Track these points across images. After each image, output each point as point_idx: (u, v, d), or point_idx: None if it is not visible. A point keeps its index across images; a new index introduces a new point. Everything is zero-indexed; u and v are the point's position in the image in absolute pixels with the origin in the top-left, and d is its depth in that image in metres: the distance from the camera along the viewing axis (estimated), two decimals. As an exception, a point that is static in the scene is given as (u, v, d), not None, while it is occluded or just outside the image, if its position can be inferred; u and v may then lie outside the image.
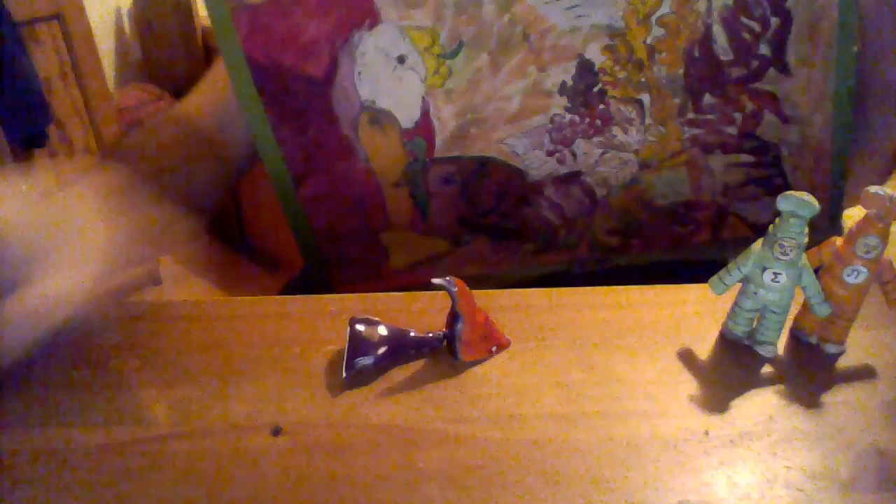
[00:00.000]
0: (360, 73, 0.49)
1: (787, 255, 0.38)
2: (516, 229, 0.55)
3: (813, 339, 0.42)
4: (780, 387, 0.40)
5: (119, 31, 1.86)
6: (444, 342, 0.41)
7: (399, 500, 0.33)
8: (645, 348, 0.43)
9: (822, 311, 0.40)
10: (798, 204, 0.36)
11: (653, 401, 0.39)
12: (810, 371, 0.41)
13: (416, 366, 0.41)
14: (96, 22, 1.62)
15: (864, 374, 0.41)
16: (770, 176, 0.54)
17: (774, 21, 0.48)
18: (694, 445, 0.36)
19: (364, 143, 0.51)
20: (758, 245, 0.39)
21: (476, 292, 0.47)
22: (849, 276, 0.39)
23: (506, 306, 0.46)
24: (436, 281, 0.38)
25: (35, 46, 1.36)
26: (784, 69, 0.50)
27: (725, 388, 0.40)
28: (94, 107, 1.50)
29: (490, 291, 0.47)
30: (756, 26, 0.48)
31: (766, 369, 0.41)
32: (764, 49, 0.49)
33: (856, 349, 0.42)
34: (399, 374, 0.40)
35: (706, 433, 0.37)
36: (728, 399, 0.39)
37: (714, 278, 0.41)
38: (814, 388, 0.40)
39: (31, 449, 0.36)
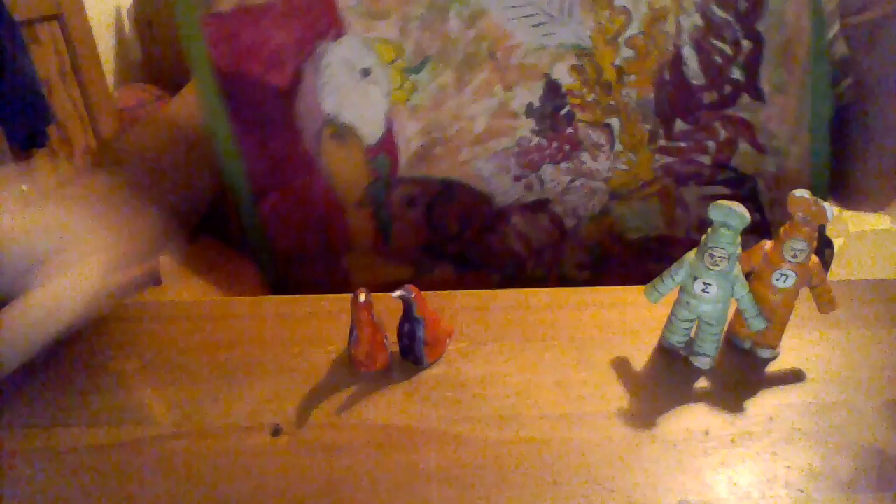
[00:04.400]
0: (324, 86, 0.48)
1: (717, 265, 0.37)
2: (481, 259, 0.53)
3: (747, 345, 0.42)
4: (780, 387, 0.40)
5: (119, 31, 1.86)
6: (404, 354, 0.41)
7: (399, 500, 0.33)
8: (645, 348, 0.43)
9: (757, 324, 0.39)
10: (728, 214, 0.35)
11: (653, 401, 0.39)
12: (810, 372, 0.41)
13: (415, 366, 0.41)
14: (96, 22, 1.62)
15: (863, 374, 0.41)
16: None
17: (746, 44, 0.47)
18: (694, 445, 0.36)
19: (326, 159, 0.50)
20: (691, 254, 0.39)
21: (475, 292, 0.47)
22: (777, 280, 0.39)
23: (506, 306, 0.46)
24: (396, 295, 0.38)
25: (35, 46, 1.36)
26: (758, 95, 0.48)
27: (725, 388, 0.40)
28: (94, 107, 1.50)
29: (489, 291, 0.47)
30: (728, 49, 0.47)
31: (767, 370, 0.41)
32: (736, 73, 0.47)
33: (855, 350, 0.42)
34: (399, 374, 0.40)
35: (706, 433, 0.37)
36: (728, 399, 0.39)
37: (648, 286, 0.40)
38: (814, 388, 0.40)
39: (31, 449, 0.36)
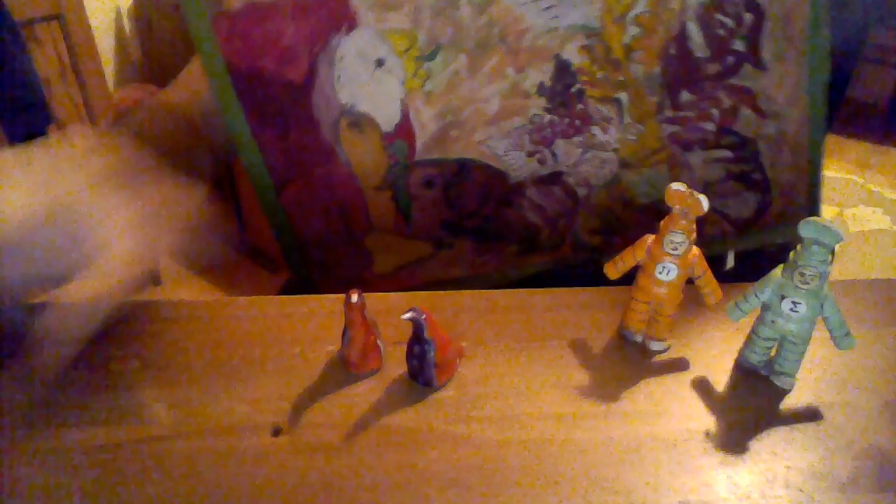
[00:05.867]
0: (339, 78, 0.49)
1: (808, 284, 0.36)
2: (499, 231, 0.56)
3: (638, 338, 0.43)
4: (780, 387, 0.40)
5: (119, 31, 1.86)
6: (413, 376, 0.40)
7: (399, 500, 0.33)
8: (645, 348, 0.43)
9: (845, 344, 0.38)
10: (821, 231, 0.34)
11: (653, 401, 0.39)
12: (810, 371, 0.41)
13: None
14: (96, 22, 1.62)
15: (864, 374, 0.41)
16: (749, 171, 0.55)
17: (748, 17, 0.49)
18: (694, 445, 0.36)
19: (345, 148, 0.51)
20: (777, 272, 0.38)
21: (476, 292, 0.47)
22: (660, 273, 0.39)
23: (506, 306, 0.46)
24: (405, 317, 0.37)
25: (35, 46, 1.36)
26: (759, 64, 0.51)
27: (725, 388, 0.40)
28: (94, 107, 1.50)
29: (489, 292, 0.47)
30: (730, 22, 0.49)
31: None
32: (738, 45, 0.50)
33: (855, 350, 0.42)
34: (399, 374, 0.40)
35: (706, 433, 0.37)
36: (728, 399, 0.39)
37: (731, 304, 0.40)
38: (814, 388, 0.40)
39: (31, 449, 0.36)
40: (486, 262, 0.57)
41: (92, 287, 0.36)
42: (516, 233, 0.55)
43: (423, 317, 0.37)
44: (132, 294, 0.38)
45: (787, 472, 0.35)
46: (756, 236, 0.57)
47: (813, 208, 0.57)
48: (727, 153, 0.53)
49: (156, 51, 1.87)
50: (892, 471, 0.35)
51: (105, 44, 1.80)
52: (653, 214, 0.56)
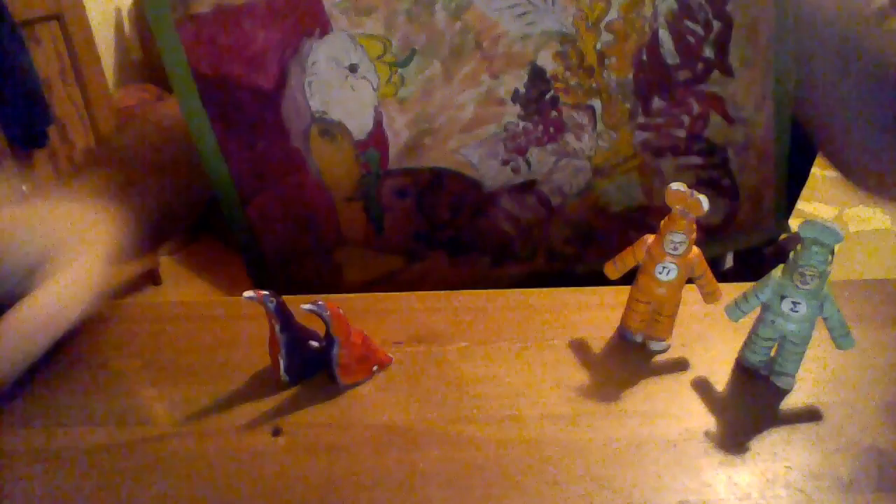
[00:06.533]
0: (310, 84, 0.48)
1: (808, 284, 0.36)
2: (472, 242, 0.55)
3: (639, 338, 0.42)
4: (780, 387, 0.40)
5: (119, 31, 1.86)
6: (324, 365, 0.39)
7: (399, 501, 0.33)
8: (645, 348, 0.43)
9: (845, 344, 0.38)
10: (821, 231, 0.34)
11: (653, 401, 0.39)
12: (810, 371, 0.41)
13: (415, 366, 0.41)
14: (96, 22, 1.63)
15: (864, 374, 0.41)
16: (718, 177, 0.55)
17: (716, 24, 0.50)
18: (694, 445, 0.36)
19: (315, 156, 0.50)
20: (777, 272, 0.38)
21: (475, 292, 0.47)
22: (660, 273, 0.39)
23: (506, 306, 0.46)
24: (305, 307, 0.36)
25: (35, 46, 1.36)
26: (727, 71, 0.51)
27: (725, 388, 0.40)
28: (94, 107, 1.50)
29: (489, 292, 0.47)
30: (700, 29, 0.50)
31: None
32: (708, 52, 0.51)
33: (855, 350, 0.42)
34: (398, 374, 0.40)
35: (706, 433, 0.37)
36: (728, 399, 0.39)
37: (730, 305, 0.40)
38: (814, 388, 0.40)
39: (31, 449, 0.36)
40: (458, 275, 0.56)
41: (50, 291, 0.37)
42: (490, 243, 0.55)
43: (327, 313, 0.37)
44: (91, 310, 0.38)
45: (787, 472, 0.35)
46: (724, 242, 0.58)
47: (782, 213, 0.58)
48: (697, 160, 0.54)
49: (156, 51, 1.87)
50: (892, 471, 0.35)
51: (105, 44, 1.81)
52: (625, 222, 0.56)
